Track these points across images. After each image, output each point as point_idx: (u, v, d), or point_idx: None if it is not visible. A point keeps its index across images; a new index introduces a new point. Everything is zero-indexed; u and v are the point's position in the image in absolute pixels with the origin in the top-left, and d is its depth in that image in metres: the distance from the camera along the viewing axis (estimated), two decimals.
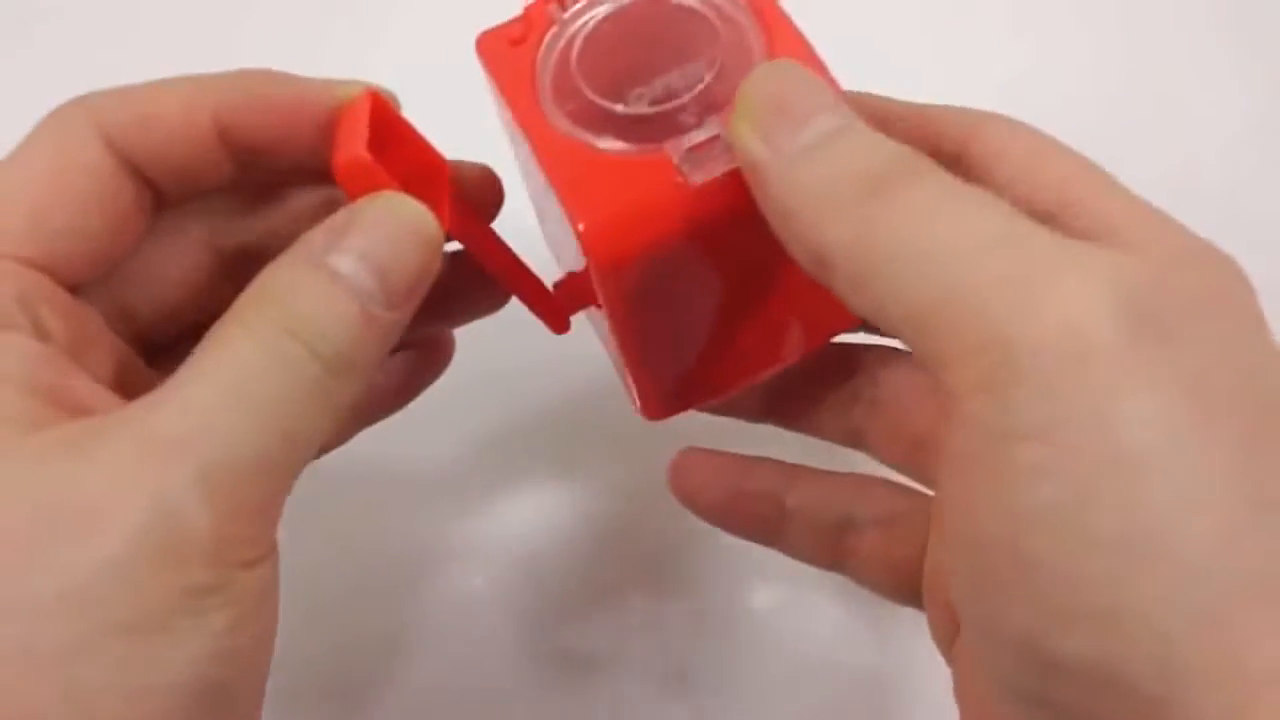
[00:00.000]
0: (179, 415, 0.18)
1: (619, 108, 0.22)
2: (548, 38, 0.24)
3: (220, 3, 0.45)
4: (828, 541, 0.28)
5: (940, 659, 0.24)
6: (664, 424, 0.27)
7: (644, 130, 0.22)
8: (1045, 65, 0.42)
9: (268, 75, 0.23)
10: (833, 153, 0.19)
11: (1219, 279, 0.19)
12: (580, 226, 0.21)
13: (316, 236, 0.20)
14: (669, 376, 0.26)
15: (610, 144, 0.22)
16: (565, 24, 0.24)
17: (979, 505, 0.17)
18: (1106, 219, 0.20)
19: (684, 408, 0.27)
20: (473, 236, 0.24)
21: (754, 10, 0.23)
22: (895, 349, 0.28)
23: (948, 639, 0.24)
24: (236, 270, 0.25)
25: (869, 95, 0.24)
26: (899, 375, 0.28)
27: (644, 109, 0.22)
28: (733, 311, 0.25)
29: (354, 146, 0.21)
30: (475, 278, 0.25)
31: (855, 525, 0.27)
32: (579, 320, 0.27)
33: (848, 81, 0.22)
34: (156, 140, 0.22)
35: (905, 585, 0.27)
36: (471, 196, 0.25)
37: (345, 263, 0.20)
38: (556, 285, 0.26)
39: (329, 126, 0.22)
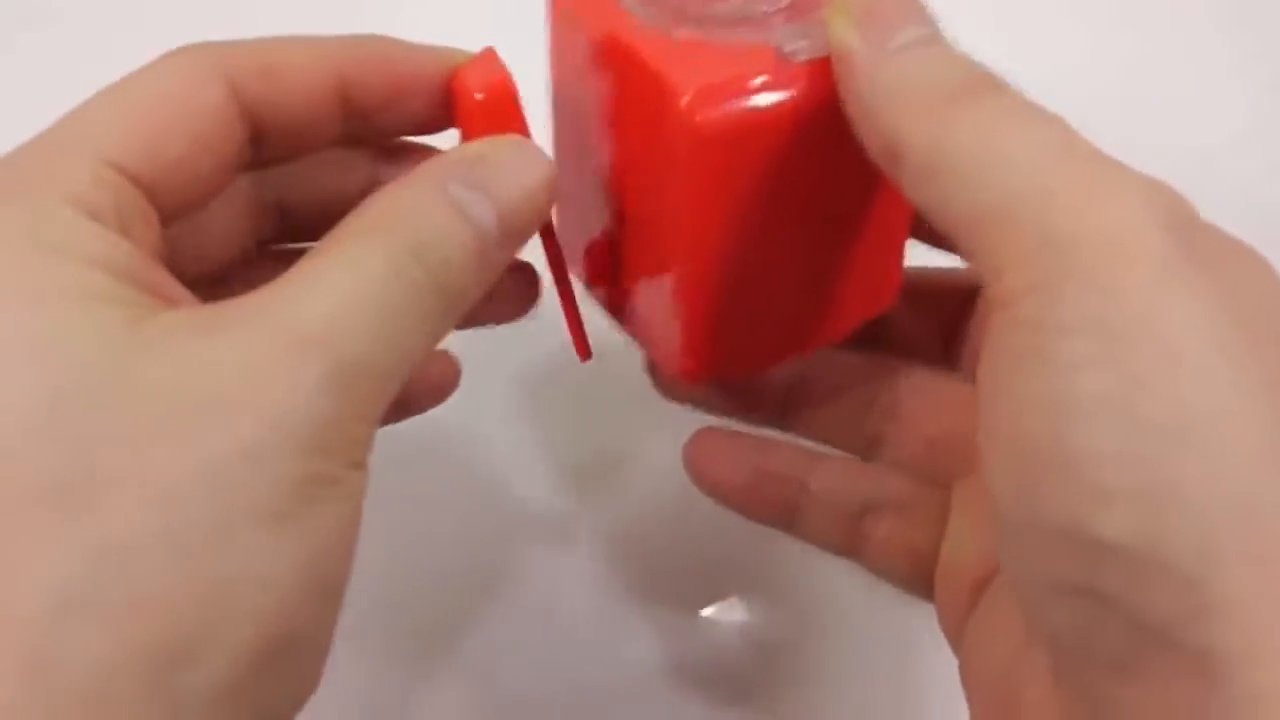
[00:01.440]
0: (312, 312, 0.18)
1: (712, 9, 0.22)
2: None
3: (218, 3, 0.45)
4: (845, 527, 0.28)
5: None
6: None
7: (739, 28, 0.22)
8: (1044, 65, 0.42)
9: (388, 39, 0.23)
10: (921, 56, 0.20)
11: (1242, 245, 0.20)
12: (683, 97, 0.21)
13: (446, 165, 0.21)
14: (724, 327, 0.25)
15: (706, 34, 0.22)
16: None
17: (1025, 399, 0.17)
18: None
19: (725, 372, 0.26)
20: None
21: None
22: (908, 361, 0.28)
23: (957, 626, 0.25)
24: (265, 232, 0.25)
25: None
26: (915, 383, 0.28)
27: (736, 13, 0.22)
28: (799, 263, 0.24)
29: (498, 74, 0.22)
30: (521, 272, 0.26)
31: (873, 511, 0.28)
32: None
33: None
34: (279, 92, 0.22)
35: (920, 573, 0.27)
36: None
37: (472, 197, 0.20)
38: (588, 250, 0.26)
39: (441, 90, 0.23)
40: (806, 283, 0.25)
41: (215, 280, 0.24)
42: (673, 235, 0.23)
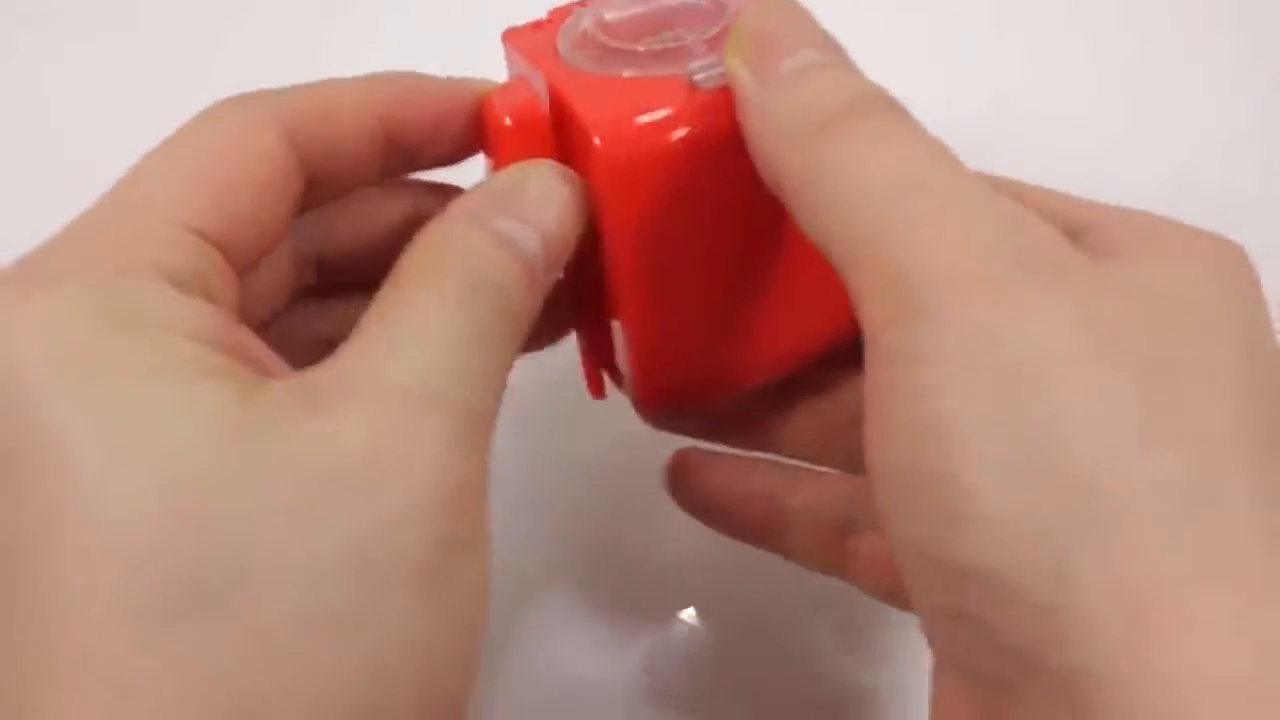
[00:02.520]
0: (418, 368, 0.18)
1: (636, 46, 0.23)
2: (569, 19, 0.25)
3: (214, 2, 0.45)
4: (829, 543, 0.28)
5: None
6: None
7: (659, 61, 0.23)
8: (1044, 65, 0.42)
9: (420, 74, 0.24)
10: (804, 83, 0.20)
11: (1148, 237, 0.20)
12: (596, 136, 0.21)
13: (480, 201, 0.21)
14: (670, 357, 0.25)
15: (626, 71, 0.23)
16: (586, 13, 0.25)
17: (888, 429, 0.18)
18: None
19: (682, 402, 0.27)
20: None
21: None
22: None
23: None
24: (305, 281, 0.25)
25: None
26: None
27: (659, 45, 0.23)
28: (739, 290, 0.25)
29: (526, 98, 0.22)
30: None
31: (856, 527, 0.28)
32: None
33: None
34: (333, 136, 0.22)
35: (901, 586, 0.27)
36: None
37: (513, 227, 0.21)
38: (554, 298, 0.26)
39: (473, 119, 0.24)
40: (753, 309, 0.25)
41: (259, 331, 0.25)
42: (610, 270, 0.23)
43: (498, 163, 0.23)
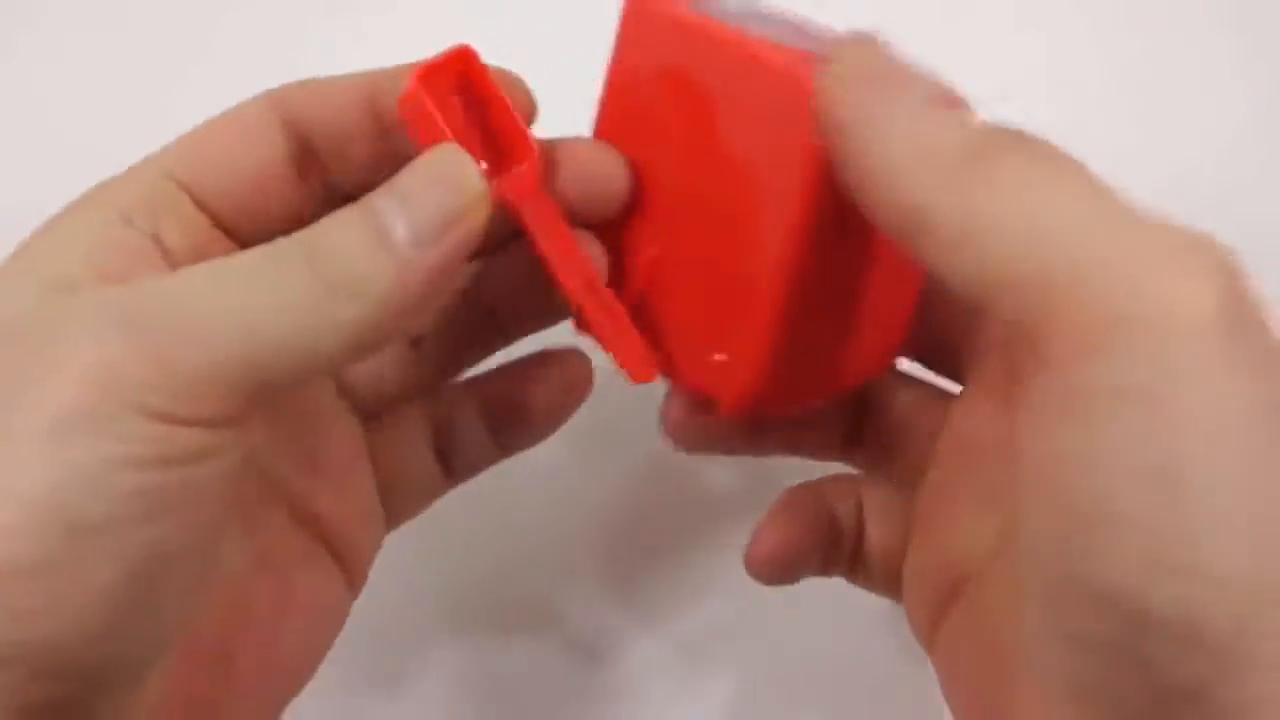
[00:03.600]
0: (163, 296, 0.20)
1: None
2: None
3: (210, 3, 0.45)
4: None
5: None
6: None
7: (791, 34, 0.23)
8: (1044, 65, 0.42)
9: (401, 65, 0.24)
10: (929, 118, 0.20)
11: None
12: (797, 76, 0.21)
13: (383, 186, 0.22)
14: (796, 347, 0.24)
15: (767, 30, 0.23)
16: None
17: (1074, 461, 0.17)
18: None
19: (772, 408, 0.25)
20: (547, 232, 0.24)
21: None
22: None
23: (929, 629, 0.25)
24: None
25: None
26: (883, 387, 0.28)
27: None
28: (858, 288, 0.24)
29: (412, 81, 0.22)
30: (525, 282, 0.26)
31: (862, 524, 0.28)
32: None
33: None
34: (316, 101, 0.24)
35: (889, 575, 0.27)
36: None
37: (380, 200, 0.21)
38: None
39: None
40: (852, 312, 0.25)
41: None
42: (771, 234, 0.22)
43: (415, 145, 0.23)
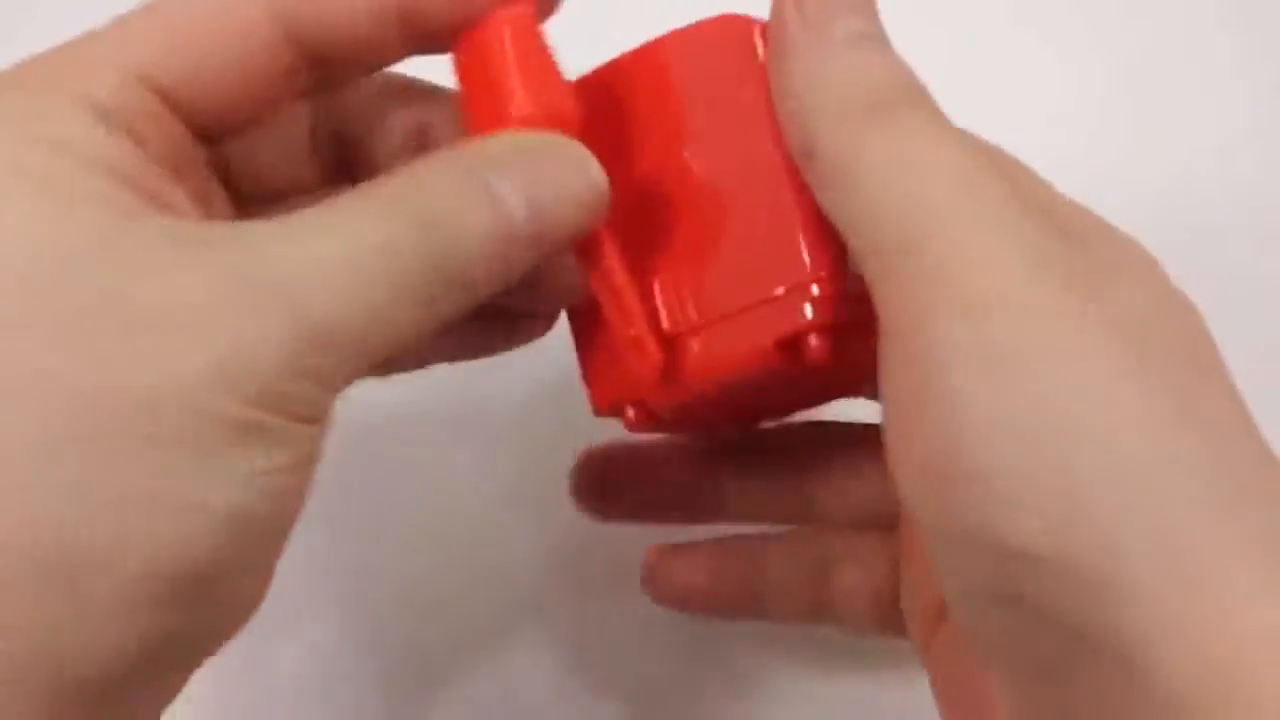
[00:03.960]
0: (284, 260, 0.18)
1: None
2: None
3: None
4: (807, 594, 0.28)
5: None
6: None
7: None
8: (1044, 65, 0.41)
9: None
10: (852, 55, 0.21)
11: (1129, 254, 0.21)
12: None
13: (486, 152, 0.20)
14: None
15: None
16: None
17: (927, 425, 0.18)
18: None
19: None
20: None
21: None
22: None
23: (925, 639, 0.25)
24: (326, 161, 0.25)
25: None
26: (837, 435, 0.29)
27: None
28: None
29: (552, 95, 0.21)
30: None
31: (831, 567, 0.28)
32: None
33: None
34: (328, 11, 0.21)
35: (888, 616, 0.27)
36: None
37: (505, 185, 0.20)
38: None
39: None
40: None
41: (272, 200, 0.24)
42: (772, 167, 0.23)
43: (478, 121, 0.21)
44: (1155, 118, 0.41)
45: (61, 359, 0.17)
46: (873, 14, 0.21)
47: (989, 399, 0.18)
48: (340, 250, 0.18)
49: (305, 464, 0.19)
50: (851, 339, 0.23)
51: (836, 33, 0.21)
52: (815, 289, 0.22)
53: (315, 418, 0.19)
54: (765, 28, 0.23)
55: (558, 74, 0.22)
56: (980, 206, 0.19)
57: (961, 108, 0.39)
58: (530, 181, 0.20)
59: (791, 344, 0.22)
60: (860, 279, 0.21)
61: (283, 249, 0.18)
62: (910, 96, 0.20)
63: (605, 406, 0.25)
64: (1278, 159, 0.40)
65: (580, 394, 0.25)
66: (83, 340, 0.17)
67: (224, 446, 0.17)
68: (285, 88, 0.21)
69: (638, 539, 0.31)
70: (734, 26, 0.23)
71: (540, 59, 0.21)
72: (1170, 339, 0.19)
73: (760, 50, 0.23)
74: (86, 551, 0.17)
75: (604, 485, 0.30)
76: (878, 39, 0.21)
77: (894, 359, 0.19)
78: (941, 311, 0.18)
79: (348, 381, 0.19)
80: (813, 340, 0.22)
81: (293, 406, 0.18)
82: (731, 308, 0.22)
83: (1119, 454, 0.17)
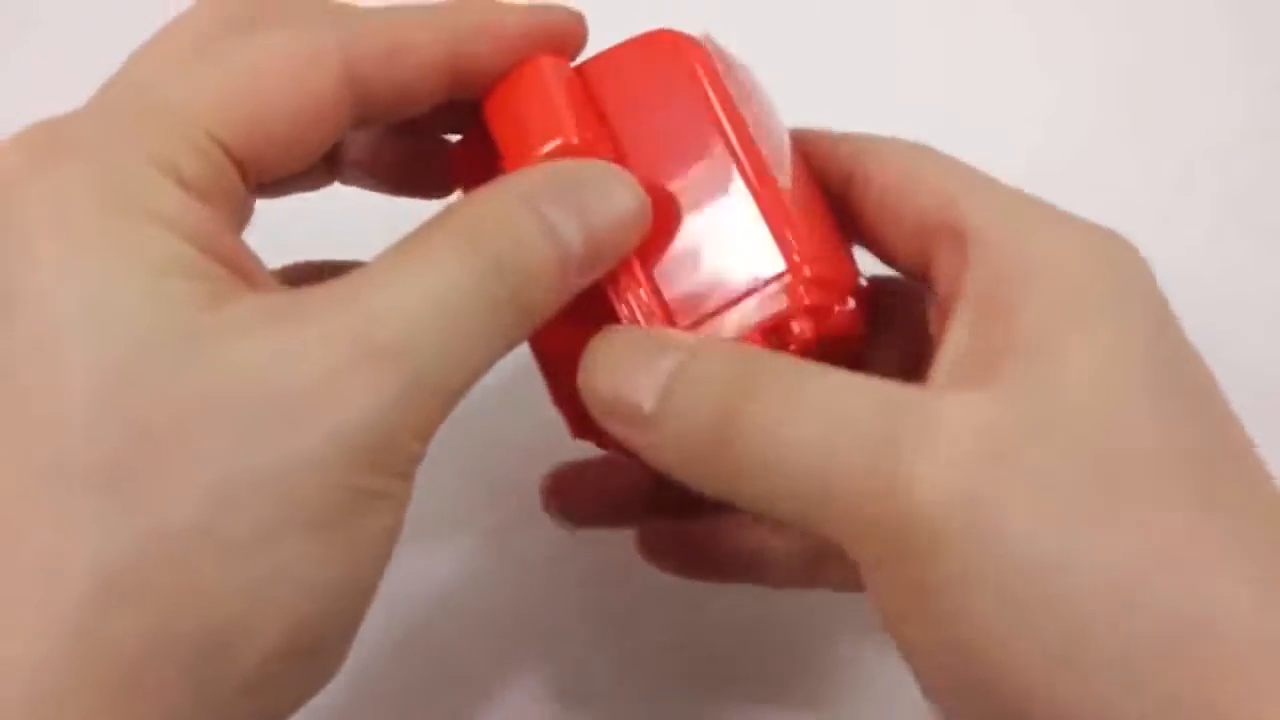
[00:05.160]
0: (391, 321, 0.18)
1: None
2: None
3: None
4: (806, 556, 0.28)
5: None
6: None
7: None
8: (1044, 66, 0.41)
9: (493, 5, 0.22)
10: (675, 405, 0.20)
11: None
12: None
13: (538, 181, 0.20)
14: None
15: None
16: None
17: (928, 649, 0.19)
18: (969, 269, 0.21)
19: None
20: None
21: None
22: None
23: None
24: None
25: (807, 132, 0.25)
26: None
27: None
28: None
29: (566, 127, 0.21)
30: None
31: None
32: None
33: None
34: (397, 74, 0.21)
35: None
36: None
37: (563, 219, 0.20)
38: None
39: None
40: None
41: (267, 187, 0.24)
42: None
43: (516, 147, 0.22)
44: (1155, 118, 0.41)
45: (184, 447, 0.17)
46: (657, 353, 0.21)
47: (982, 622, 0.18)
48: (436, 302, 0.18)
49: (402, 521, 0.19)
50: (844, 330, 0.23)
51: (653, 409, 0.21)
52: (793, 276, 0.23)
53: (412, 474, 0.19)
54: (691, 43, 0.24)
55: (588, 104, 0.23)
56: (853, 436, 0.19)
57: (962, 108, 0.39)
58: (582, 209, 0.20)
59: (775, 330, 0.23)
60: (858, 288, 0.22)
61: (384, 310, 0.18)
62: (741, 389, 0.20)
63: (585, 431, 0.25)
64: (1278, 159, 0.40)
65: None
66: (203, 428, 0.17)
67: (347, 517, 0.18)
68: (336, 136, 0.21)
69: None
70: (665, 40, 0.24)
71: (576, 92, 0.23)
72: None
73: (697, 62, 0.23)
74: (217, 636, 0.17)
75: (574, 495, 0.30)
76: (678, 372, 0.21)
77: (885, 589, 0.19)
78: (897, 550, 0.19)
79: (437, 427, 0.19)
80: (796, 326, 0.22)
81: (400, 465, 0.18)
82: (715, 306, 0.23)
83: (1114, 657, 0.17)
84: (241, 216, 0.21)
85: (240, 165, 0.20)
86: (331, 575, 0.18)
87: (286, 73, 0.20)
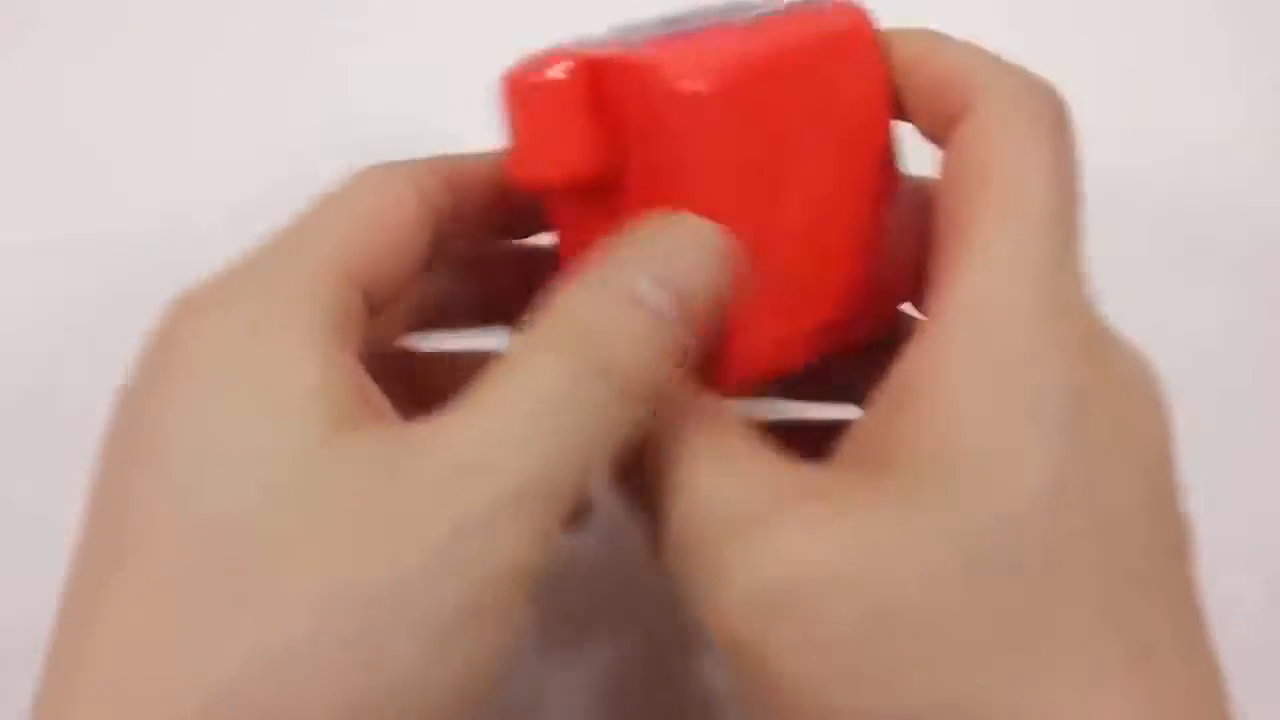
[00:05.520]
0: (484, 439, 0.19)
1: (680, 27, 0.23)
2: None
3: (204, 3, 0.45)
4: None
5: None
6: None
7: (698, 25, 0.23)
8: (1044, 67, 0.41)
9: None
10: (732, 570, 0.20)
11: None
12: (675, 78, 0.21)
13: (629, 262, 0.21)
14: (766, 314, 0.23)
15: (668, 36, 0.22)
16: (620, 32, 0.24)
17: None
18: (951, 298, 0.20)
19: (761, 373, 0.24)
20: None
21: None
22: None
23: None
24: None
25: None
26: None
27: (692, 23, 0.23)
28: (806, 244, 0.23)
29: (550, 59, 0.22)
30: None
31: None
32: None
33: None
34: (459, 200, 0.24)
35: None
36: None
37: (651, 292, 0.20)
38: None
39: None
40: (824, 260, 0.24)
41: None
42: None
43: (521, 134, 0.22)
44: (1155, 118, 0.41)
45: (291, 569, 0.18)
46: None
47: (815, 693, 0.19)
48: (529, 419, 0.19)
49: (519, 636, 0.19)
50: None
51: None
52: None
53: (525, 584, 0.19)
54: None
55: None
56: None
57: None
58: (666, 272, 0.20)
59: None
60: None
61: (475, 433, 0.19)
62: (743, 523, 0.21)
63: None
64: (1278, 159, 0.40)
65: None
66: (311, 550, 0.18)
67: (455, 630, 0.18)
68: (423, 262, 0.24)
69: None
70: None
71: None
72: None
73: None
74: None
75: None
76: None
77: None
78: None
79: (557, 533, 0.20)
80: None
81: (516, 580, 0.19)
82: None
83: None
84: (364, 344, 0.22)
85: (363, 292, 0.22)
86: (442, 687, 0.18)
87: (381, 205, 0.23)
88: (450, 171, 0.24)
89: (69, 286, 0.38)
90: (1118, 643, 0.18)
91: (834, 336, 0.24)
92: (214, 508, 0.18)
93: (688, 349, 0.20)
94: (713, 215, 0.21)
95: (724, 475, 0.20)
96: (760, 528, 0.19)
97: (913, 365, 0.20)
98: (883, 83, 0.24)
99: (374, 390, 0.21)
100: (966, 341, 0.19)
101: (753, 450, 0.21)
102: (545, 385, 0.19)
